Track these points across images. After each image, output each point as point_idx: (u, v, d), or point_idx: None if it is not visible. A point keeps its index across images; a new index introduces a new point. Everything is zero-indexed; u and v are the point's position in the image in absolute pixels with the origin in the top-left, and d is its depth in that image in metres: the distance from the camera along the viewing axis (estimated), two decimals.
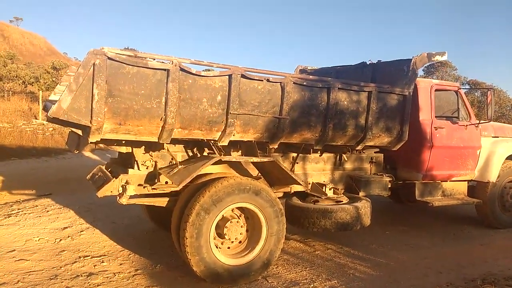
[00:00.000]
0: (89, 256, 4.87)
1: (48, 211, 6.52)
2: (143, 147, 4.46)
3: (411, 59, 5.38)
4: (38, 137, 13.97)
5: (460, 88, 6.48)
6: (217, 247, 4.33)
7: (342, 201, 5.15)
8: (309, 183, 5.30)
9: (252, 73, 4.34)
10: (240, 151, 4.94)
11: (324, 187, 5.19)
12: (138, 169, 4.48)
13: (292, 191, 5.12)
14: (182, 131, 4.15)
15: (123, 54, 3.76)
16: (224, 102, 4.21)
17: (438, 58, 5.57)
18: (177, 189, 4.23)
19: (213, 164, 4.33)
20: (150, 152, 4.49)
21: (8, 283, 4.06)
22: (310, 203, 5.06)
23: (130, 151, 4.48)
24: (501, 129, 6.97)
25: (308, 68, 7.11)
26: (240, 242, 4.54)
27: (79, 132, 3.94)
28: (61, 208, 6.72)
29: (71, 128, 4.03)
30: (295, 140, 4.88)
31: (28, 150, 12.24)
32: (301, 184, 4.92)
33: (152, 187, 4.43)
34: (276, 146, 4.83)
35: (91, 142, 3.98)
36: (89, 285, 4.16)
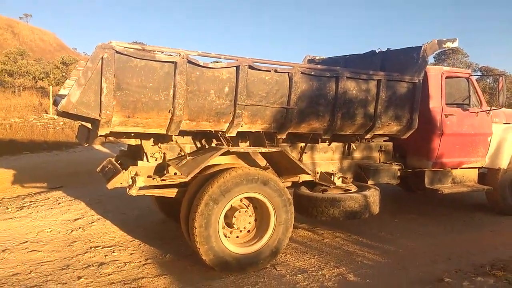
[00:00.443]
0: (100, 246, 4.95)
1: (59, 203, 6.63)
2: (152, 139, 4.50)
3: (421, 47, 5.30)
4: (49, 131, 14.10)
5: (471, 75, 6.41)
6: (225, 236, 4.37)
7: (351, 190, 5.15)
8: (318, 173, 5.31)
9: (259, 64, 4.32)
10: (248, 141, 4.95)
11: (332, 176, 5.20)
12: (147, 161, 4.52)
13: (301, 181, 5.12)
14: (190, 123, 4.17)
15: (131, 48, 3.78)
16: (232, 94, 4.21)
17: (449, 44, 5.48)
18: (186, 180, 4.28)
19: (221, 155, 4.36)
20: (159, 144, 4.53)
21: (21, 273, 4.15)
22: (318, 192, 5.08)
23: (139, 143, 4.52)
24: None
25: (317, 58, 7.06)
26: (248, 231, 4.58)
27: (89, 125, 3.99)
28: (72, 200, 6.83)
29: (80, 122, 4.08)
30: (303, 130, 4.87)
31: (39, 144, 12.36)
32: (309, 174, 4.93)
33: (161, 178, 4.48)
34: (284, 136, 4.83)
35: (100, 135, 4.03)
36: (100, 274, 4.23)
